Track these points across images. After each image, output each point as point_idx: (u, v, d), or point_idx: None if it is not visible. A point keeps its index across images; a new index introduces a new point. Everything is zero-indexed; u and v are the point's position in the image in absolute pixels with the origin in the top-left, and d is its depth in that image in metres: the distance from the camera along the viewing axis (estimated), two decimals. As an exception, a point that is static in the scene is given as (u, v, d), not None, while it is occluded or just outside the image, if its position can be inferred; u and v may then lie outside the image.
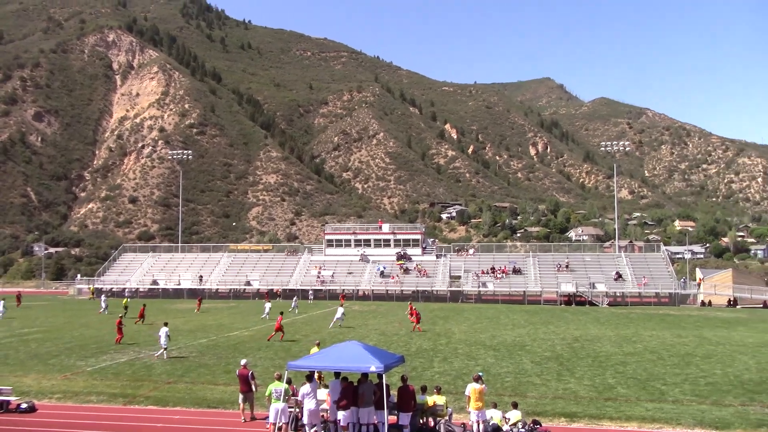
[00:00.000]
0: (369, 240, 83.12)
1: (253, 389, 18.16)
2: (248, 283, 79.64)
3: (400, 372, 18.24)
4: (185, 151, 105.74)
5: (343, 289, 74.58)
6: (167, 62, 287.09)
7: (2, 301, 49.24)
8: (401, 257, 79.19)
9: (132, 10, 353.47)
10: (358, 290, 75.95)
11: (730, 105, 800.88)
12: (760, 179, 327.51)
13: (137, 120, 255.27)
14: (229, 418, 18.33)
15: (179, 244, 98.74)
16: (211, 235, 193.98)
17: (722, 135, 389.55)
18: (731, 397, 20.59)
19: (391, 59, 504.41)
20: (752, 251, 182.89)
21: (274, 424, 16.01)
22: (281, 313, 38.85)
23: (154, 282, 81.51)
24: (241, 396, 18.13)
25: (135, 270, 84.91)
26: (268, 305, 48.07)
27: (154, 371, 25.19)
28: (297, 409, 16.71)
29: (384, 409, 15.53)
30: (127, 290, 76.29)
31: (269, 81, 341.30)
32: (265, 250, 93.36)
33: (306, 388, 16.02)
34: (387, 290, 75.08)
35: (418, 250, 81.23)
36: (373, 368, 15.13)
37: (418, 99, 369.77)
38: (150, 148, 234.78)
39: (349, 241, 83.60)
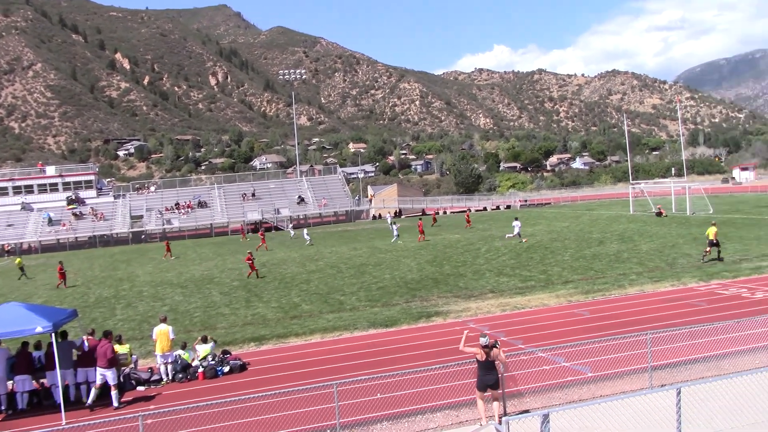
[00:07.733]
0: (31, 186, 73.51)
1: None
2: None
3: (75, 327, 16.66)
4: None
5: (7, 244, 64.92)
6: None
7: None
8: (72, 201, 71.81)
9: None
10: (21, 243, 67.13)
11: (392, 34, 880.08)
12: (417, 102, 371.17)
13: None
14: None
15: None
16: None
17: (387, 63, 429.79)
18: (398, 297, 23.33)
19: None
20: (413, 167, 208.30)
21: None
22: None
23: None
24: None
25: None
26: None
27: None
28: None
29: (66, 369, 14.06)
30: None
31: None
32: None
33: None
34: (58, 239, 68.02)
35: (92, 192, 74.58)
36: (39, 329, 13.42)
37: (81, 25, 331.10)
38: None
39: (6, 188, 72.86)
